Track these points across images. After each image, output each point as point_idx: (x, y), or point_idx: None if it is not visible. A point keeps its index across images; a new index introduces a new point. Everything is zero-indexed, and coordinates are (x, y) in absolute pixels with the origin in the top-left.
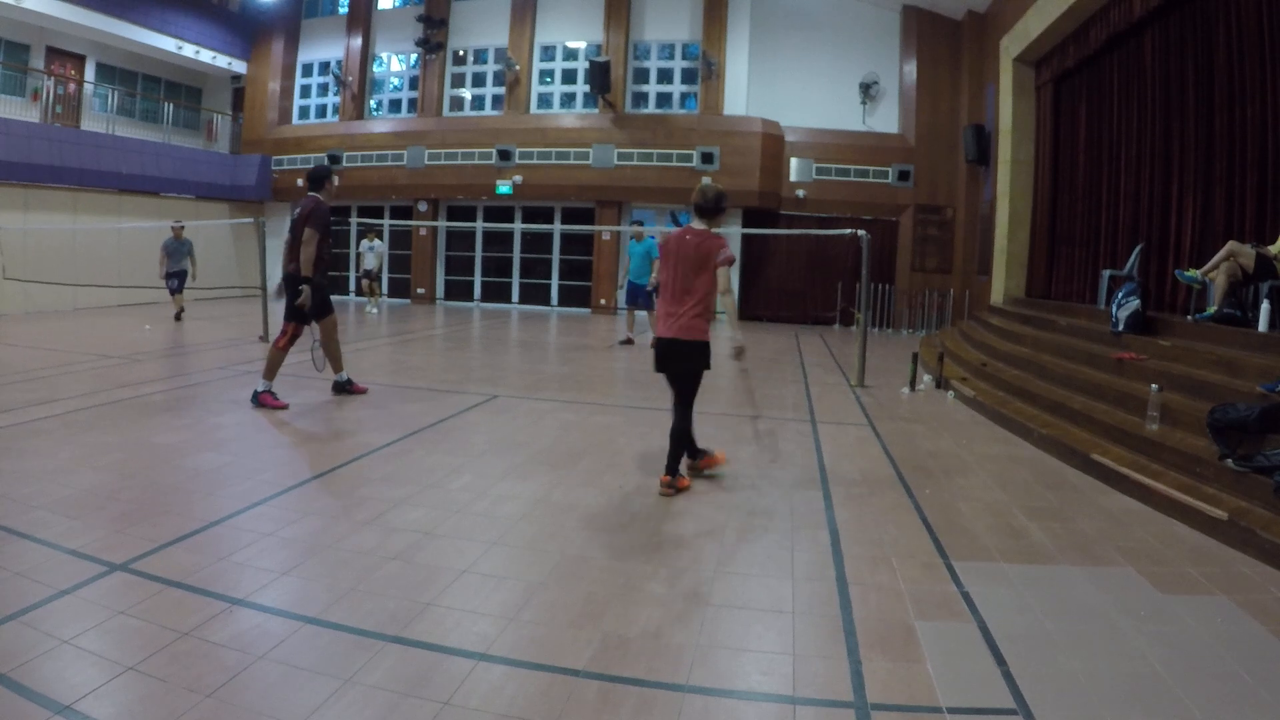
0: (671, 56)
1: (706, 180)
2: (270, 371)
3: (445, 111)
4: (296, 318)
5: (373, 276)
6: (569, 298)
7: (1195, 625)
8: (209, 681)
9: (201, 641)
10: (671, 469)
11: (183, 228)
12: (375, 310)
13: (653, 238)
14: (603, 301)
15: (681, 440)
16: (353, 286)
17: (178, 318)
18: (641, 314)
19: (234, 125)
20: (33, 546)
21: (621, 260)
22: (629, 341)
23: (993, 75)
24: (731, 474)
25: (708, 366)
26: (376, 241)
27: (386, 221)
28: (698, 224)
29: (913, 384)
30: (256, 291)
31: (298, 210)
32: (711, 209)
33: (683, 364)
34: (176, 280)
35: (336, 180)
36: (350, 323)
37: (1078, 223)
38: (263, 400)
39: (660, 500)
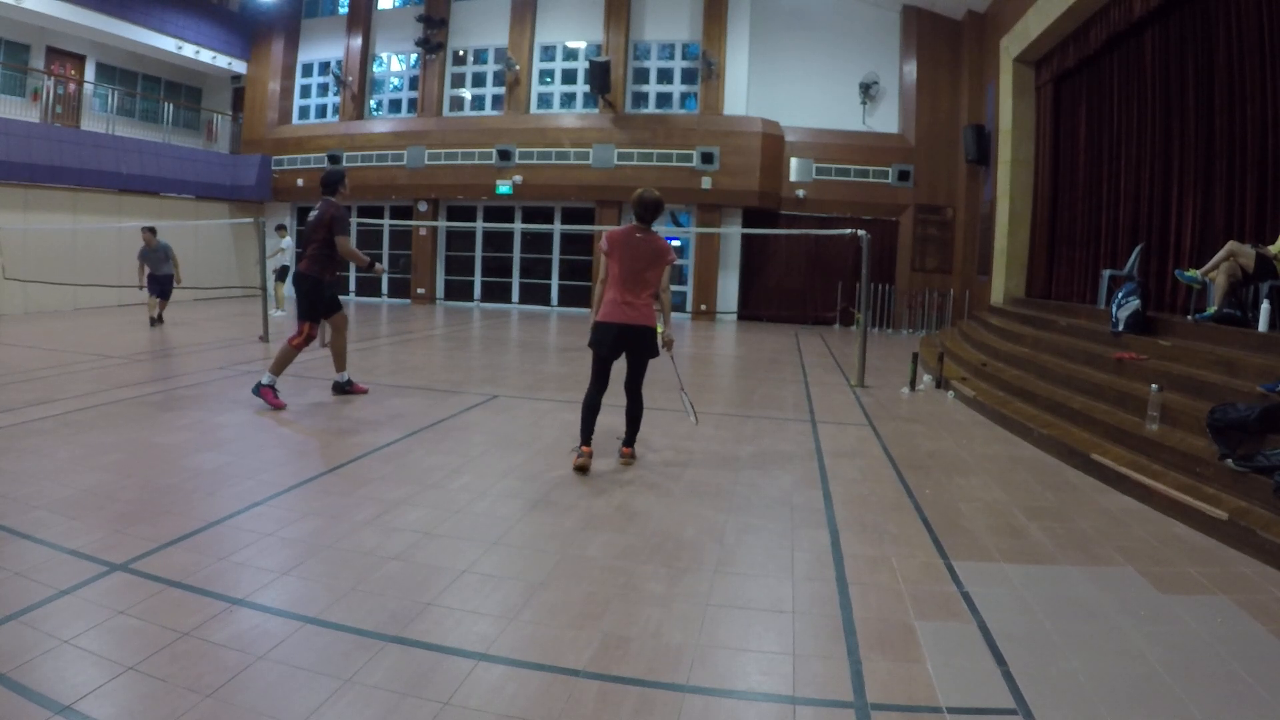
0: (671, 56)
1: (644, 189)
2: (278, 367)
3: (445, 111)
4: (311, 317)
5: (280, 278)
6: (569, 298)
7: (1195, 625)
8: (209, 681)
9: (201, 641)
10: (630, 442)
11: (153, 231)
12: (281, 312)
13: None
14: None
15: (639, 417)
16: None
17: (158, 319)
18: None
19: (234, 125)
20: (33, 546)
21: None
22: None
23: (993, 75)
24: (732, 474)
25: (657, 352)
26: (287, 239)
27: (386, 221)
28: (639, 225)
29: (913, 384)
30: (256, 291)
31: (313, 215)
32: (651, 215)
33: (640, 347)
34: (160, 285)
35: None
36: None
37: (1078, 223)
38: (263, 394)
39: (661, 501)
